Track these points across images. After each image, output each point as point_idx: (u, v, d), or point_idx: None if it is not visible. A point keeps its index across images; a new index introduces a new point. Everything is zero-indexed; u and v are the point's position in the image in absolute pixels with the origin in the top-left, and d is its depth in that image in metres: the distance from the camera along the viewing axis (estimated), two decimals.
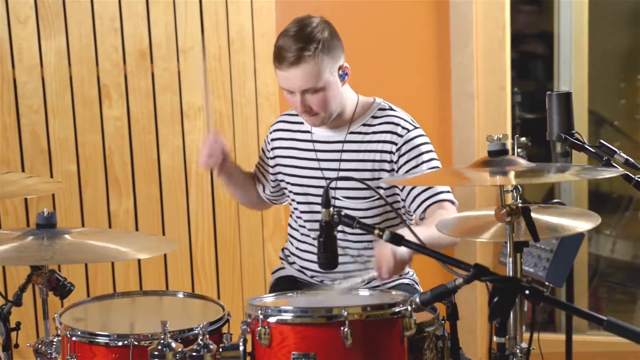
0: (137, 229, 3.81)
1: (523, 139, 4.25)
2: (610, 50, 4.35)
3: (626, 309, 4.51)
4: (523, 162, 2.04)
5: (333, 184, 2.66)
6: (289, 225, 2.92)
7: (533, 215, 2.24)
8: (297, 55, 2.54)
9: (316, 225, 2.74)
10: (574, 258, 2.99)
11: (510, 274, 2.11)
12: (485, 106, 3.69)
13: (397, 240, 1.85)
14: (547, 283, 2.97)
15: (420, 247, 1.86)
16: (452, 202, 2.63)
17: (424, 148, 2.66)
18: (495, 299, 1.73)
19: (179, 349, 2.05)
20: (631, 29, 4.41)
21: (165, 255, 3.84)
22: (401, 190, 2.67)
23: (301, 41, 2.55)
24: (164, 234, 3.82)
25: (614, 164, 2.26)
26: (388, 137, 2.67)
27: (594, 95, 4.20)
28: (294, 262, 2.88)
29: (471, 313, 3.72)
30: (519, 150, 4.19)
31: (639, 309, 4.43)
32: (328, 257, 1.99)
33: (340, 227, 2.61)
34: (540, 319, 4.23)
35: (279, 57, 2.58)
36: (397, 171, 2.66)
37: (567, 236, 2.82)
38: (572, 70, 4.06)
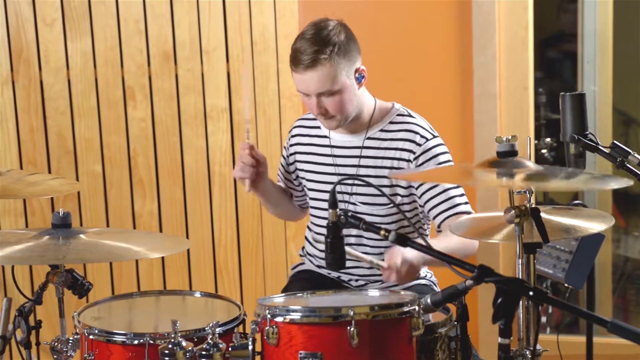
0: (160, 230, 3.86)
1: (548, 139, 4.26)
2: (635, 49, 4.30)
3: None
4: (531, 165, 2.02)
5: (349, 189, 2.68)
6: (307, 227, 2.94)
7: (546, 216, 2.23)
8: (313, 58, 2.54)
9: None
10: (594, 259, 2.96)
11: (520, 276, 2.10)
12: (508, 106, 3.67)
13: (403, 241, 1.85)
14: (566, 285, 2.96)
15: (425, 249, 1.86)
16: (469, 214, 2.63)
17: (442, 158, 2.65)
18: (499, 300, 1.72)
19: (189, 348, 2.07)
20: None
21: (188, 255, 3.87)
22: (419, 197, 2.67)
23: (317, 44, 2.55)
24: (187, 234, 3.86)
25: (628, 165, 2.24)
26: (407, 145, 2.66)
27: (622, 95, 4.15)
28: (311, 261, 2.90)
29: (488, 314, 3.69)
30: (543, 151, 4.19)
31: None
32: (335, 257, 1.99)
33: (356, 232, 2.67)
34: (565, 320, 4.20)
35: (295, 60, 2.58)
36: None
37: (587, 237, 2.79)
38: (597, 70, 4.02)
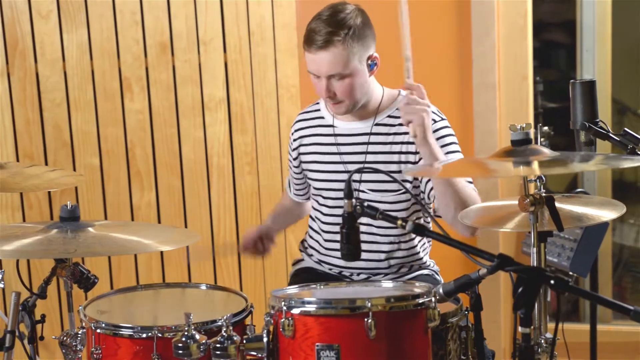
0: (159, 222, 3.83)
1: (545, 128, 4.26)
2: (634, 38, 4.31)
3: None
4: (547, 152, 2.01)
5: (358, 177, 2.66)
6: (310, 216, 2.92)
7: (556, 204, 2.23)
8: (327, 39, 2.51)
9: (338, 221, 2.74)
10: (598, 247, 2.97)
11: (534, 264, 2.09)
12: (507, 96, 3.66)
13: (421, 230, 1.84)
14: (571, 273, 2.96)
15: (445, 239, 1.85)
16: (475, 190, 2.62)
17: (448, 140, 2.64)
18: (520, 289, 1.72)
19: (203, 341, 2.05)
20: None
21: (187, 247, 3.84)
22: (420, 180, 2.65)
23: (332, 25, 2.52)
24: (186, 226, 3.84)
25: (639, 152, 2.23)
26: None
27: (616, 83, 4.16)
28: (312, 255, 2.88)
29: (494, 304, 3.70)
30: (541, 139, 4.20)
31: None
32: (351, 248, 1.98)
33: (365, 220, 2.65)
34: (564, 308, 4.21)
35: (309, 40, 2.56)
36: (419, 162, 2.64)
37: (591, 225, 2.80)
38: (596, 59, 4.02)
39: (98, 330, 2.24)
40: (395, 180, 2.42)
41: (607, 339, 3.49)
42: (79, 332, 2.32)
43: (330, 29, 2.51)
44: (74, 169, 3.79)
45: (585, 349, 3.02)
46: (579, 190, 3.21)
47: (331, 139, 2.75)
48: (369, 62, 2.61)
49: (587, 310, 4.03)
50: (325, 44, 2.51)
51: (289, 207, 3.08)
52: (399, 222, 1.87)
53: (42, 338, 2.51)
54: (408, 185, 2.65)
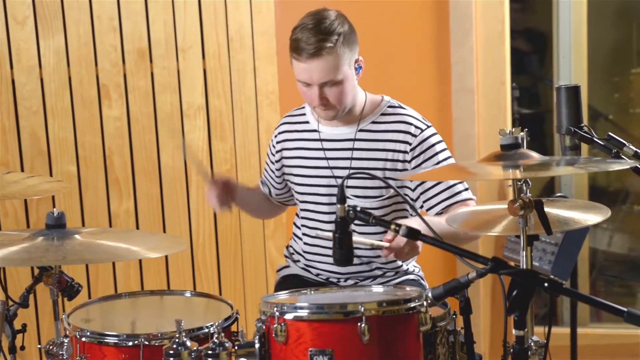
0: (137, 229, 3.79)
1: (521, 134, 4.30)
2: (605, 45, 4.37)
3: (623, 301, 4.53)
4: (536, 156, 2.03)
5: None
6: (294, 224, 2.91)
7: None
8: (318, 46, 2.52)
9: (322, 226, 2.74)
10: (579, 251, 3.00)
11: (524, 267, 2.11)
12: (485, 101, 3.69)
13: (414, 235, 1.85)
14: (552, 277, 2.99)
15: (437, 242, 1.86)
16: (473, 199, 2.64)
17: (438, 147, 2.65)
18: (514, 293, 1.73)
19: (194, 348, 2.04)
20: (624, 24, 4.44)
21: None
22: (413, 190, 2.66)
23: (322, 33, 2.53)
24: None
25: (623, 156, 2.26)
26: (401, 136, 2.65)
27: (589, 89, 4.21)
28: (298, 260, 2.87)
29: (474, 308, 3.70)
30: None
31: (637, 302, 4.45)
32: (343, 253, 1.98)
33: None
34: (542, 312, 4.25)
35: (298, 49, 2.55)
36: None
37: (572, 230, 2.83)
38: (572, 65, 4.06)
39: (83, 339, 2.22)
40: (376, 178, 2.41)
41: (584, 342, 3.52)
42: (65, 341, 2.29)
43: (321, 36, 2.52)
44: (51, 177, 3.75)
45: (565, 352, 3.05)
46: (558, 194, 3.25)
47: (317, 144, 2.75)
48: (356, 65, 2.63)
49: (565, 314, 4.06)
50: (318, 51, 2.52)
51: (262, 197, 3.03)
52: (393, 226, 1.88)
53: (23, 348, 2.49)
54: (392, 191, 2.65)
